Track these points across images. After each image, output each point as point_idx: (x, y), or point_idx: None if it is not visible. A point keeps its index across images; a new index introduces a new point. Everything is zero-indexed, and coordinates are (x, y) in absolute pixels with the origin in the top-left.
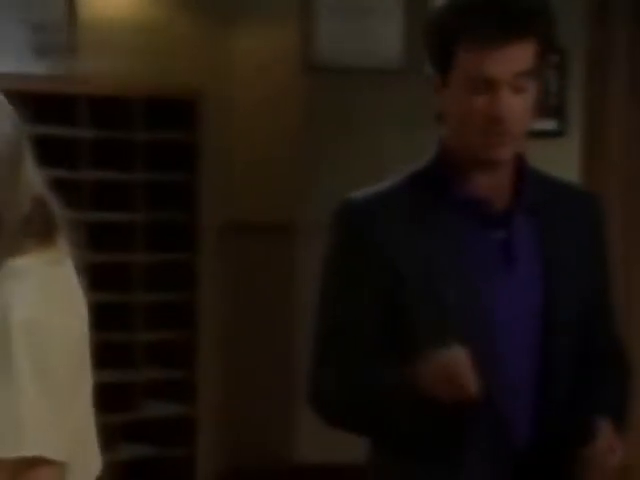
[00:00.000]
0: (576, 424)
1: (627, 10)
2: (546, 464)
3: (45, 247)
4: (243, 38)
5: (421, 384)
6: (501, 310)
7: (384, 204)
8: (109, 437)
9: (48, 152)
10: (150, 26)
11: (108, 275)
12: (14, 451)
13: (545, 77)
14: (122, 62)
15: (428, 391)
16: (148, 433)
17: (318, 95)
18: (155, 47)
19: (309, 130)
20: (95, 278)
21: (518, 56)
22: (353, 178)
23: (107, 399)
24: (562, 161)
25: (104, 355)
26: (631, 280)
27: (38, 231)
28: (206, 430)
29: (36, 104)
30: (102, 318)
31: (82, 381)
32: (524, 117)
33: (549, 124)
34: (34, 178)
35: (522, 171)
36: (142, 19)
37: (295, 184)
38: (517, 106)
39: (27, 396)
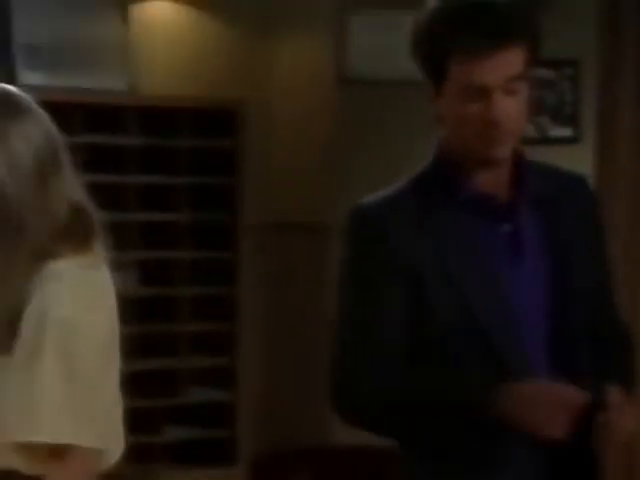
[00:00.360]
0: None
1: (637, 24)
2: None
3: (82, 252)
4: (283, 53)
5: (508, 408)
6: (517, 299)
7: (393, 208)
8: (156, 420)
9: (101, 159)
10: (197, 42)
11: (156, 271)
12: (30, 436)
13: (560, 88)
14: (170, 76)
15: (512, 415)
16: (192, 417)
17: (351, 105)
18: (201, 61)
19: (342, 138)
20: (144, 274)
21: (507, 62)
22: (383, 183)
23: (154, 385)
24: (577, 166)
25: (152, 344)
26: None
27: (75, 237)
28: (245, 414)
29: (91, 115)
30: (150, 310)
31: (110, 372)
32: (518, 118)
33: (565, 131)
34: (71, 186)
35: (521, 165)
36: (189, 36)
37: (329, 188)
38: (511, 108)
39: (51, 386)
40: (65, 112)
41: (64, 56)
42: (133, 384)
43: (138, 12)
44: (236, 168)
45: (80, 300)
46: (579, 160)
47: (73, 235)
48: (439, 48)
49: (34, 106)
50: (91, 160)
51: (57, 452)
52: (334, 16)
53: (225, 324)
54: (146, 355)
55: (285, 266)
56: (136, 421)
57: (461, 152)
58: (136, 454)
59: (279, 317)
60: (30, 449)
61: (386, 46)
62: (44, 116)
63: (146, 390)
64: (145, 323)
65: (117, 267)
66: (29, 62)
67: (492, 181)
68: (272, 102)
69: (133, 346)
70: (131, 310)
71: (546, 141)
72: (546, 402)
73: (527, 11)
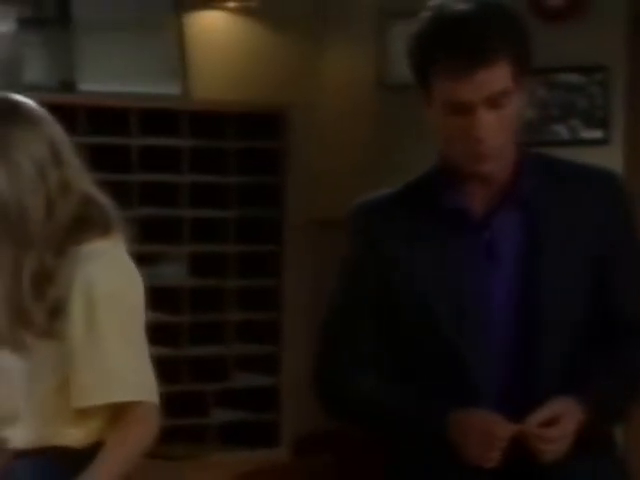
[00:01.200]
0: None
1: None
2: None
3: (104, 236)
4: (327, 59)
5: (450, 436)
6: (489, 310)
7: (382, 207)
8: (205, 404)
9: (155, 159)
10: (247, 50)
11: (206, 264)
12: (105, 399)
13: (591, 92)
14: (222, 81)
15: (455, 443)
16: (238, 401)
17: (390, 108)
18: (251, 68)
19: (381, 139)
20: (195, 266)
21: (490, 79)
22: None
23: (204, 371)
24: (608, 166)
25: (202, 332)
26: None
27: (93, 224)
28: (288, 399)
29: (146, 119)
30: (200, 300)
31: (144, 335)
32: (504, 132)
33: (595, 133)
34: (80, 181)
35: (519, 171)
36: (240, 44)
37: (369, 187)
38: (495, 123)
39: (115, 352)
40: (122, 116)
41: (122, 63)
42: (184, 369)
43: (193, 21)
44: (281, 168)
45: (119, 275)
46: (609, 161)
47: (91, 223)
48: (423, 63)
49: (36, 112)
50: (146, 161)
51: (118, 414)
52: (375, 24)
53: (270, 314)
54: (196, 342)
55: (326, 259)
56: (187, 404)
57: (452, 165)
58: (187, 435)
59: (320, 307)
60: (89, 418)
61: None
62: (46, 121)
63: (196, 375)
64: (196, 312)
65: (170, 260)
66: (90, 69)
67: (478, 191)
68: (316, 106)
69: (185, 334)
70: (183, 300)
71: (578, 143)
72: (475, 434)
73: (511, 22)
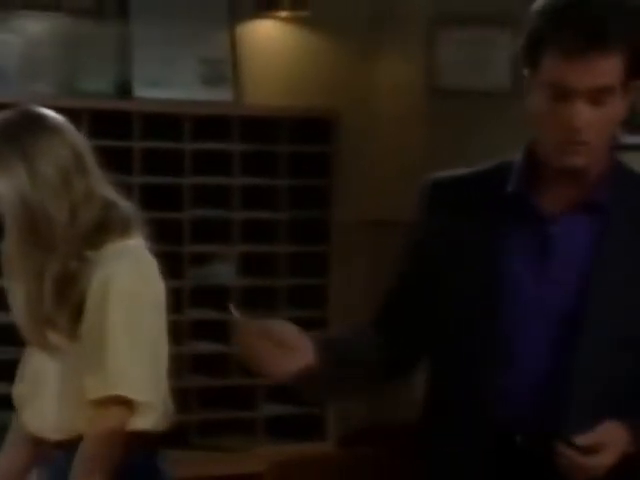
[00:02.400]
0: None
1: None
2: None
3: (125, 238)
4: (378, 66)
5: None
6: (524, 313)
7: (455, 187)
8: (255, 398)
9: (207, 163)
10: (299, 57)
11: (257, 263)
12: (100, 393)
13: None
14: (275, 88)
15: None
16: (286, 396)
17: (439, 113)
18: (303, 74)
19: (431, 143)
20: (247, 266)
21: (599, 69)
22: None
23: None
24: None
25: None
26: None
27: (114, 227)
28: None
29: (199, 124)
30: (251, 299)
31: (164, 337)
32: (601, 130)
33: (637, 139)
34: (101, 186)
35: (601, 179)
36: (292, 52)
37: (415, 189)
38: (593, 118)
39: (117, 348)
40: (176, 122)
41: (178, 71)
42: (235, 365)
43: (246, 30)
44: (330, 170)
45: (135, 274)
46: None
47: (112, 227)
48: (535, 39)
49: (58, 122)
50: (199, 164)
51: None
52: (426, 31)
53: (318, 312)
54: None
55: (373, 259)
56: (237, 398)
57: (542, 154)
58: (237, 427)
59: (367, 306)
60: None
61: (472, 59)
62: (69, 130)
63: (246, 371)
64: (246, 310)
65: (222, 259)
66: (146, 77)
67: (559, 191)
68: (367, 110)
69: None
70: (234, 298)
71: (619, 148)
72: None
73: (634, 14)
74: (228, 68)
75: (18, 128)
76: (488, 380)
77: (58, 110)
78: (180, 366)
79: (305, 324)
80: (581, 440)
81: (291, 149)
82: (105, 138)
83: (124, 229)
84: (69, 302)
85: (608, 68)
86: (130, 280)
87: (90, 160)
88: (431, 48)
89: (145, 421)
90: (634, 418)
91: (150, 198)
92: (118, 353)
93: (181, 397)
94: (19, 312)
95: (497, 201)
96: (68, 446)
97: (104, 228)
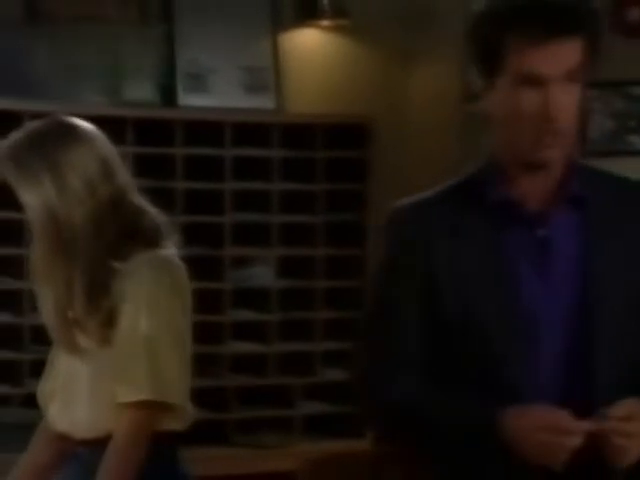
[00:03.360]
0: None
1: None
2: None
3: (152, 248)
4: (414, 74)
5: (510, 438)
6: (540, 310)
7: (428, 209)
8: (292, 396)
9: (247, 168)
10: (339, 66)
11: (295, 265)
12: (133, 396)
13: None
14: (315, 95)
15: (516, 447)
16: (323, 394)
17: (474, 121)
18: (342, 82)
19: (465, 150)
20: (285, 268)
21: (567, 53)
22: None
23: (292, 365)
24: None
25: (290, 330)
26: None
27: (144, 237)
28: None
29: (241, 131)
30: (289, 300)
31: (190, 341)
32: (574, 116)
33: None
34: (130, 194)
35: (568, 169)
36: (332, 61)
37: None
38: (567, 105)
39: (151, 354)
40: (217, 129)
41: (221, 79)
42: (273, 364)
43: (287, 39)
44: (366, 175)
45: (168, 283)
46: None
47: (141, 235)
48: (497, 34)
49: (88, 132)
50: (239, 170)
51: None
52: (460, 43)
53: (354, 312)
54: (285, 339)
55: None
56: (275, 397)
57: (508, 156)
58: (275, 425)
59: None
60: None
61: None
62: (99, 139)
63: (285, 369)
64: (285, 311)
65: (262, 262)
66: (190, 85)
67: (532, 187)
68: (403, 118)
69: (274, 331)
70: (272, 300)
71: (633, 153)
72: (541, 431)
73: (590, 5)
74: (270, 76)
75: (47, 138)
76: (512, 372)
77: (103, 119)
78: (220, 366)
79: (342, 325)
80: (616, 411)
81: (328, 155)
82: (149, 145)
83: (153, 238)
84: (100, 310)
85: (574, 51)
86: (161, 290)
87: (119, 169)
88: (465, 59)
89: (173, 422)
90: None
91: (192, 203)
92: (152, 359)
93: (221, 396)
94: (49, 316)
95: (486, 212)
96: (96, 444)
97: (132, 238)
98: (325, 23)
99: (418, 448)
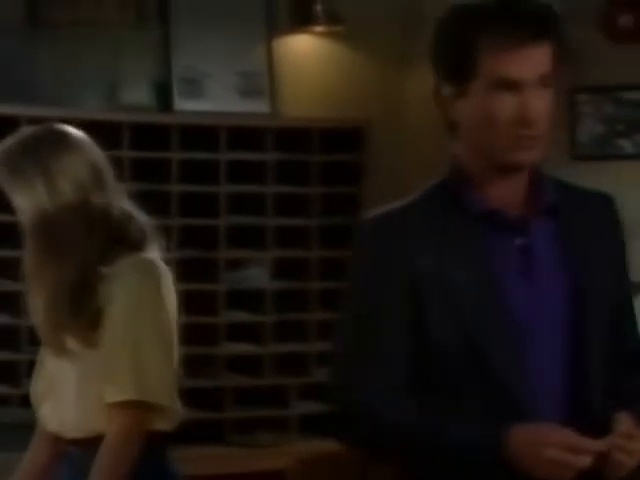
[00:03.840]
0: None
1: None
2: None
3: (137, 252)
4: (409, 79)
5: (512, 455)
6: (527, 318)
7: (402, 219)
8: (287, 396)
9: (242, 172)
10: (333, 71)
11: (289, 267)
12: (122, 396)
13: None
14: (310, 100)
15: (518, 463)
16: (317, 394)
17: None
18: (337, 87)
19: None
20: (280, 270)
21: (540, 57)
22: None
23: (286, 365)
24: None
25: (285, 331)
26: None
27: (131, 241)
28: None
29: (236, 135)
30: (284, 301)
31: (176, 342)
32: (546, 121)
33: None
34: (118, 199)
35: (537, 177)
36: (327, 66)
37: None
38: (542, 109)
39: (138, 355)
40: (213, 133)
41: (217, 84)
42: (268, 364)
43: (282, 45)
44: (360, 179)
45: (153, 286)
46: None
47: (128, 239)
48: (470, 40)
49: (79, 139)
50: (234, 173)
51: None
52: None
53: None
54: (280, 340)
55: None
56: (271, 397)
57: (479, 162)
58: (270, 425)
59: None
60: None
61: None
62: (88, 147)
63: (280, 369)
64: (280, 312)
65: (256, 264)
66: (186, 90)
67: (505, 193)
68: (397, 121)
69: (269, 332)
70: (268, 301)
71: (624, 157)
72: (552, 447)
73: (555, 10)
74: (265, 81)
75: (40, 145)
76: (508, 373)
77: (100, 123)
78: (216, 366)
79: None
80: (621, 428)
81: (323, 158)
82: (145, 149)
83: (138, 242)
84: (86, 312)
85: (545, 56)
86: (145, 292)
87: (108, 175)
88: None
89: (160, 422)
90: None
91: (188, 206)
92: (139, 360)
93: (217, 396)
94: (38, 318)
95: (465, 219)
96: (85, 444)
97: (118, 242)
98: (319, 29)
99: (411, 466)
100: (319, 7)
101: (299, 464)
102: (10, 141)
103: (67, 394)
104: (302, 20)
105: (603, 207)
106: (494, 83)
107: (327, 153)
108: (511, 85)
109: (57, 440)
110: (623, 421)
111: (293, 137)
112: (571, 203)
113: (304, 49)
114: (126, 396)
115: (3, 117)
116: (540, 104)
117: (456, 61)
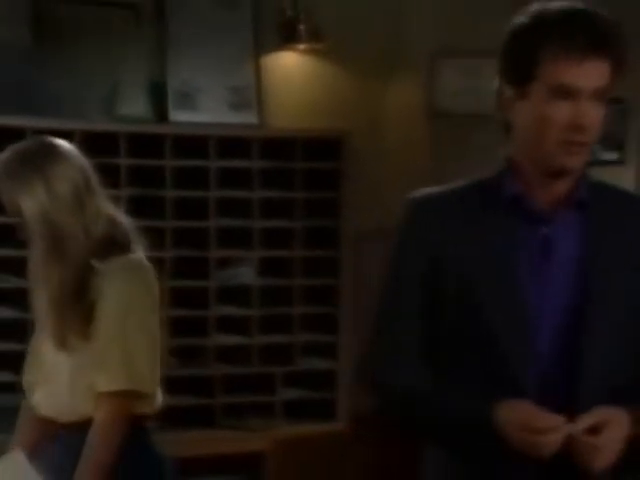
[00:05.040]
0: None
1: None
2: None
3: (125, 253)
4: (386, 92)
5: (502, 431)
6: (538, 306)
7: (441, 202)
8: (274, 383)
9: (231, 178)
10: (316, 85)
11: (275, 266)
12: (112, 386)
13: (610, 120)
14: (294, 112)
15: (506, 437)
16: (302, 381)
17: (440, 135)
18: (319, 100)
19: (433, 161)
20: (265, 268)
21: (599, 71)
22: None
23: (273, 355)
24: (622, 184)
25: (271, 324)
26: None
27: (117, 243)
28: (345, 380)
29: (225, 144)
30: (270, 297)
31: (160, 333)
32: (597, 130)
33: (612, 155)
34: (105, 203)
35: (580, 177)
36: (310, 80)
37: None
38: (595, 119)
39: (128, 347)
40: (204, 142)
41: (208, 98)
42: (256, 355)
43: (269, 61)
44: (340, 185)
45: (141, 283)
46: (624, 179)
47: (116, 241)
48: (535, 44)
49: (68, 149)
50: (223, 180)
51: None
52: (428, 63)
53: (330, 308)
54: (266, 332)
55: (378, 262)
56: (258, 384)
57: (531, 161)
58: (257, 410)
59: (373, 303)
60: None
61: (469, 86)
62: (77, 156)
63: (266, 359)
64: (266, 307)
65: (244, 263)
66: (180, 103)
67: (549, 191)
68: (375, 132)
69: (256, 325)
70: (255, 296)
71: (597, 163)
72: (523, 429)
73: (620, 29)
74: (253, 94)
75: (36, 155)
76: (514, 360)
77: (100, 133)
78: (207, 356)
79: (318, 319)
80: (583, 421)
81: (306, 166)
82: (142, 157)
83: (126, 243)
84: (81, 307)
85: (606, 71)
86: (133, 289)
87: (95, 182)
88: (433, 77)
89: (145, 406)
90: (634, 399)
91: (181, 210)
92: (129, 353)
93: (208, 384)
94: (42, 314)
95: (497, 207)
96: (77, 427)
97: (109, 242)
98: (302, 47)
99: (417, 433)
100: (302, 26)
101: (278, 445)
102: (6, 154)
103: (61, 383)
104: (287, 38)
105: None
106: (552, 89)
107: (310, 161)
108: (568, 92)
109: (45, 423)
110: (591, 414)
111: (278, 146)
112: (605, 202)
113: (289, 65)
114: (117, 386)
115: (10, 128)
116: (593, 114)
117: (519, 64)
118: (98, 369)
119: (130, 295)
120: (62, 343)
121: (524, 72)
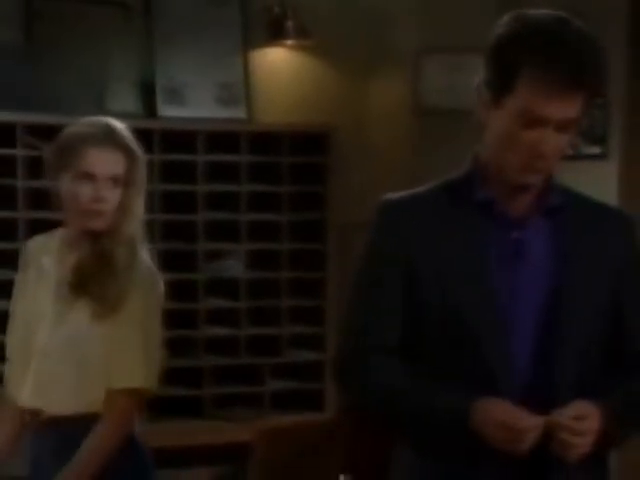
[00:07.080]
0: None
1: None
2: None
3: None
4: (372, 88)
5: (478, 428)
6: (512, 307)
7: (414, 204)
8: (262, 374)
9: (219, 172)
10: (303, 81)
11: (262, 259)
12: (123, 384)
13: (592, 113)
14: (282, 107)
15: (484, 435)
16: (289, 373)
17: (424, 130)
18: (306, 96)
19: (417, 156)
20: (253, 261)
21: (574, 104)
22: None
23: (261, 347)
24: (604, 179)
25: (259, 316)
26: None
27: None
28: (331, 372)
29: (213, 139)
30: (258, 290)
31: (159, 325)
32: (559, 155)
33: (595, 149)
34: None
35: (545, 182)
36: (297, 76)
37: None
38: (559, 146)
39: (140, 344)
40: (192, 137)
41: (197, 93)
42: (244, 346)
43: (257, 57)
44: (326, 179)
45: (153, 281)
46: (607, 174)
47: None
48: (518, 60)
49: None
50: (211, 173)
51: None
52: (413, 59)
53: (316, 301)
54: (254, 324)
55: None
56: (246, 375)
57: (495, 170)
58: (246, 400)
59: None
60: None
61: (453, 83)
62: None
63: (254, 351)
64: (254, 299)
65: (232, 256)
66: (169, 99)
67: (516, 198)
68: (361, 127)
69: (244, 317)
70: (243, 289)
71: (579, 158)
72: (500, 428)
73: (600, 51)
74: (241, 90)
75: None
76: (491, 355)
77: None
78: (196, 348)
79: (305, 311)
80: (568, 411)
81: (292, 160)
82: None
83: (140, 239)
84: (109, 285)
85: (578, 103)
86: (156, 296)
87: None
88: (418, 73)
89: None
90: (603, 396)
91: (170, 203)
92: (148, 354)
93: (197, 374)
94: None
95: (470, 210)
96: (80, 420)
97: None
98: (290, 43)
99: (392, 429)
100: (290, 23)
101: (265, 435)
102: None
103: (66, 375)
104: (275, 35)
105: (615, 222)
106: (524, 113)
107: (296, 155)
108: (538, 120)
109: (25, 415)
110: (574, 406)
111: (266, 141)
112: (577, 209)
113: (277, 61)
114: (135, 384)
115: (1, 123)
116: (556, 143)
117: (500, 74)
118: (118, 366)
119: (154, 299)
120: (78, 292)
121: (503, 83)
